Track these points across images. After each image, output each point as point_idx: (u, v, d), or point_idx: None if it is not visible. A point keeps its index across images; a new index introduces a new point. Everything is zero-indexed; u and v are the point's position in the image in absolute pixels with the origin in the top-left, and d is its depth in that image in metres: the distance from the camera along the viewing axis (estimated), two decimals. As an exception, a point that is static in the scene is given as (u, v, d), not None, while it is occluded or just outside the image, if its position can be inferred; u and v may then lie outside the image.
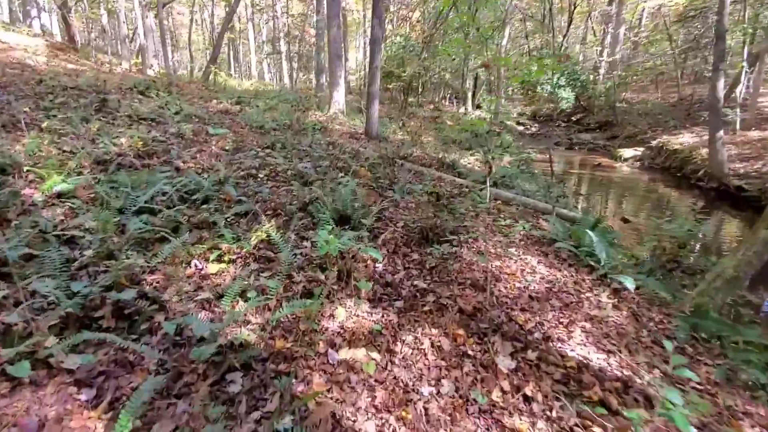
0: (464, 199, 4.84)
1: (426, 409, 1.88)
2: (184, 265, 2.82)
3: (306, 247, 3.25)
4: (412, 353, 2.23)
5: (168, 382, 1.85)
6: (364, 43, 26.46)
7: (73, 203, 3.40)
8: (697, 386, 2.29)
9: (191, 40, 23.30)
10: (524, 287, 3.05)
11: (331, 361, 2.10)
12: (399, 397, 1.92)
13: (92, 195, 3.53)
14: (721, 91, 9.58)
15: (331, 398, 1.88)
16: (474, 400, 1.94)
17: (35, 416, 1.62)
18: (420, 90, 18.78)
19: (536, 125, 21.06)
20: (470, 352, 2.25)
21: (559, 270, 3.49)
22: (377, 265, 3.12)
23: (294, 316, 2.39)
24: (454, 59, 16.51)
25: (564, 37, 21.46)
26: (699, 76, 19.05)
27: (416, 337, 2.34)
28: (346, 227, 3.68)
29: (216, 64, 13.97)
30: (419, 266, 3.23)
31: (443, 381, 2.04)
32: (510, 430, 1.82)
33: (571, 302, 2.95)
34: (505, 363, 2.17)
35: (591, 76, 20.54)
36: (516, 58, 22.85)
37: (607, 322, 2.78)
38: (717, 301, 3.28)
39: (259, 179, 4.85)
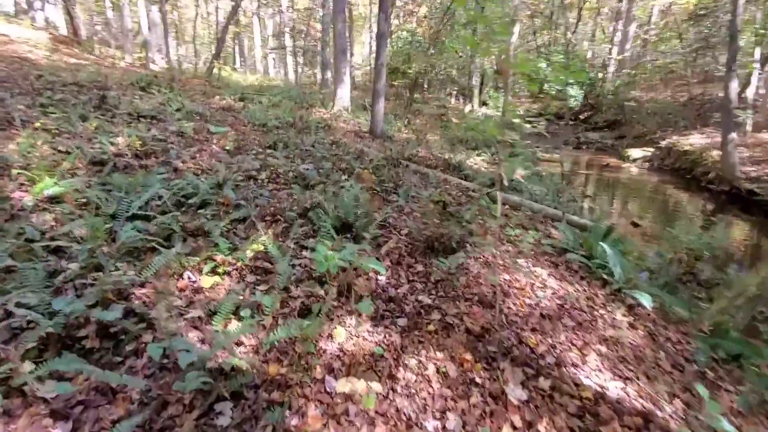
0: (471, 205, 4.67)
1: (430, 447, 1.73)
2: (176, 277, 2.68)
3: (305, 257, 3.10)
4: (415, 380, 2.08)
5: (152, 414, 1.71)
6: (370, 38, 26.21)
7: (63, 208, 3.26)
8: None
9: (196, 33, 23.13)
10: (535, 304, 2.89)
11: (328, 390, 1.95)
12: (401, 433, 1.77)
13: (84, 199, 3.39)
14: (735, 92, 9.33)
15: (328, 434, 1.73)
16: (482, 437, 1.79)
17: (4, 455, 1.49)
18: (425, 86, 18.55)
19: (542, 123, 20.75)
20: (478, 380, 2.09)
21: (571, 284, 3.33)
22: (380, 277, 2.96)
23: (290, 338, 2.24)
24: (461, 56, 16.24)
25: (572, 33, 21.13)
26: (709, 76, 18.67)
27: (420, 362, 2.19)
28: (348, 236, 3.53)
29: (220, 59, 13.79)
30: (424, 279, 3.07)
31: (449, 414, 1.88)
32: (521, 472, 1.67)
33: (585, 321, 2.78)
34: (515, 393, 2.01)
35: (600, 74, 20.21)
36: (523, 55, 22.48)
37: (623, 343, 2.62)
38: (738, 320, 3.11)
39: (259, 181, 4.71)
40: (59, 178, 3.62)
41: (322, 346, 2.23)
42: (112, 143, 4.76)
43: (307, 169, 5.11)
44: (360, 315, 2.43)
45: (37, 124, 4.62)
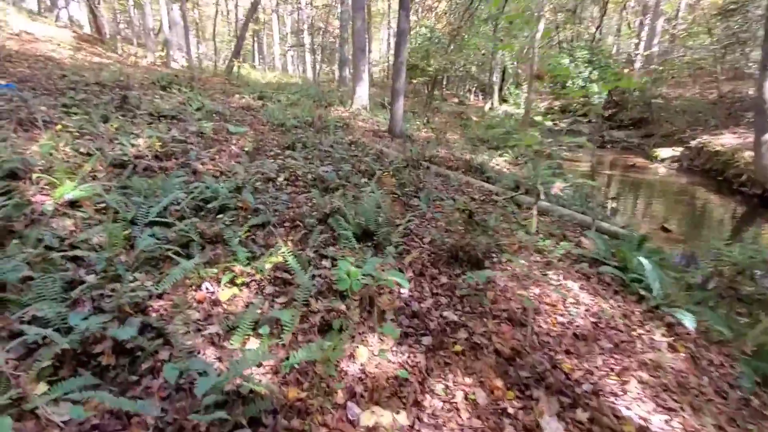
0: (494, 209, 4.50)
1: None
2: (194, 288, 2.61)
3: (325, 267, 2.99)
4: (442, 407, 1.95)
5: (167, 442, 1.63)
6: (388, 35, 26.02)
7: (84, 213, 3.23)
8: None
9: (216, 31, 23.31)
10: (568, 323, 2.72)
11: (350, 417, 1.84)
12: (429, 469, 1.65)
13: (103, 204, 3.35)
14: (770, 92, 8.84)
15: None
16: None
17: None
18: (444, 83, 18.28)
19: (565, 121, 20.26)
20: (510, 410, 1.95)
21: (605, 299, 3.14)
22: (402, 290, 2.84)
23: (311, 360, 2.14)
24: (483, 53, 15.91)
25: (597, 29, 20.51)
26: (739, 73, 17.87)
27: (447, 387, 2.06)
28: (369, 244, 3.41)
29: (239, 57, 13.82)
30: (448, 293, 2.94)
31: (480, 450, 1.76)
32: None
33: (622, 342, 2.61)
34: (552, 427, 1.87)
35: (625, 70, 19.57)
36: (545, 51, 21.98)
37: (664, 368, 2.44)
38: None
39: (278, 184, 4.63)
40: (80, 181, 3.60)
41: (343, 367, 2.12)
42: (132, 144, 4.75)
43: (327, 172, 5.02)
44: (385, 338, 2.31)
45: (59, 126, 4.62)
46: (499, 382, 2.09)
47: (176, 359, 2.01)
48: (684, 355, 2.65)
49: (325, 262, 3.08)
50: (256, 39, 27.93)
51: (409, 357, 2.25)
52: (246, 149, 5.68)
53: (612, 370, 2.33)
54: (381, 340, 2.33)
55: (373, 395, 1.96)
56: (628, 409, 2.08)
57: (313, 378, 2.03)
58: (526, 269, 3.12)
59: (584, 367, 2.31)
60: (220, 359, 2.10)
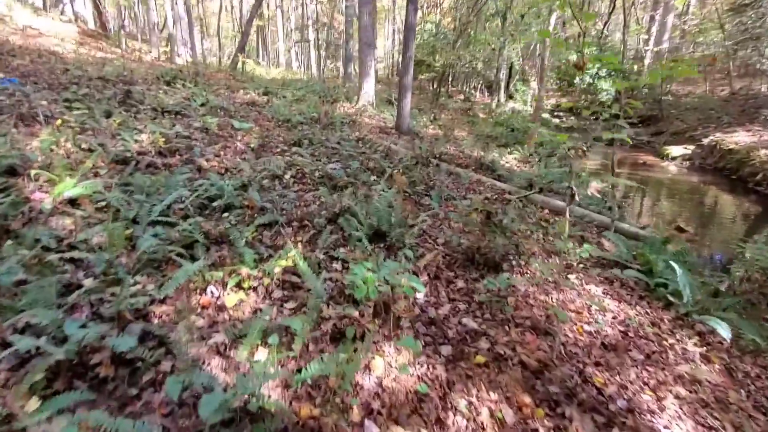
0: (509, 209, 4.32)
1: None
2: (198, 292, 2.46)
3: (336, 270, 2.84)
4: (467, 427, 1.79)
5: (169, 466, 1.49)
6: (394, 31, 25.78)
7: (84, 212, 3.09)
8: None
9: (220, 27, 23.15)
10: (595, 331, 2.55)
11: (368, 437, 1.69)
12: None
13: (104, 202, 3.21)
14: (785, 88, 8.61)
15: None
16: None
17: None
18: (450, 80, 18.06)
19: (572, 118, 19.96)
20: (541, 430, 1.79)
21: (630, 305, 2.97)
22: (418, 295, 2.68)
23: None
24: (493, 48, 15.65)
25: (605, 24, 20.18)
26: (751, 69, 17.51)
27: (471, 403, 1.90)
28: (381, 245, 3.26)
29: (244, 53, 13.66)
30: (466, 298, 2.77)
31: (511, 476, 1.60)
32: None
33: (653, 352, 2.44)
34: (588, 449, 1.71)
35: (635, 66, 19.24)
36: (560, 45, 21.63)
37: (700, 381, 2.27)
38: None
39: (284, 182, 4.48)
40: (80, 178, 3.46)
41: (358, 380, 1.97)
42: (135, 140, 4.61)
43: (335, 169, 4.86)
44: (403, 352, 2.15)
45: (60, 121, 4.49)
46: (527, 398, 1.94)
47: (179, 371, 1.86)
48: (719, 366, 2.48)
49: (336, 265, 2.93)
50: (260, 35, 27.77)
51: (428, 369, 2.10)
52: (251, 146, 5.53)
53: (646, 384, 2.17)
54: (397, 350, 2.18)
55: (391, 412, 1.81)
56: (667, 429, 1.91)
57: (326, 393, 1.88)
58: (547, 273, 2.95)
59: (617, 381, 2.15)
60: (226, 370, 1.95)
